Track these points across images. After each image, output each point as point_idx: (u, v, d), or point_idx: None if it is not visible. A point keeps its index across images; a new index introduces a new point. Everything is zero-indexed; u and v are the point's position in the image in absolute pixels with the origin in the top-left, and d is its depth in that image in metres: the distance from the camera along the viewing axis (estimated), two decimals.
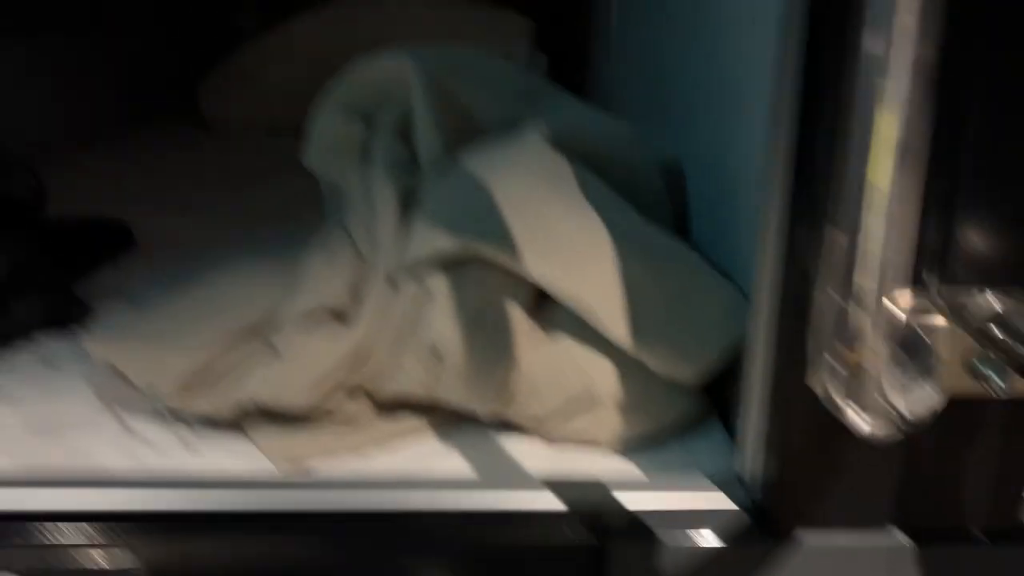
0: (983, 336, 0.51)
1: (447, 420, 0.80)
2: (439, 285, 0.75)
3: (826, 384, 0.46)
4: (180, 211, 1.54)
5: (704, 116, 0.98)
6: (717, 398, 0.81)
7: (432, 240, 0.75)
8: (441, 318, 0.74)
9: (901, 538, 0.63)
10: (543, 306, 0.78)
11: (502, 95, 0.95)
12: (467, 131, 0.90)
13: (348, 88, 0.96)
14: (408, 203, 0.83)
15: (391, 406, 0.80)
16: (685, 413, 0.77)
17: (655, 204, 0.95)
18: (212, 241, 1.38)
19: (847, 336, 0.43)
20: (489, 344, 0.74)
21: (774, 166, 0.58)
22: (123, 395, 0.85)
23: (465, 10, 2.20)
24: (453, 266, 0.76)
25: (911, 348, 0.46)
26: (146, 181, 1.77)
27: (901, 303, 0.46)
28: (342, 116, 0.94)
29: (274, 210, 1.59)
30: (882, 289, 0.43)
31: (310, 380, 0.75)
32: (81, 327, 1.04)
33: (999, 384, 0.52)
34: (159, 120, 2.29)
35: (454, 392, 0.76)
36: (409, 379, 0.76)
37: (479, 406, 0.77)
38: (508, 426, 0.80)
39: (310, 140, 0.98)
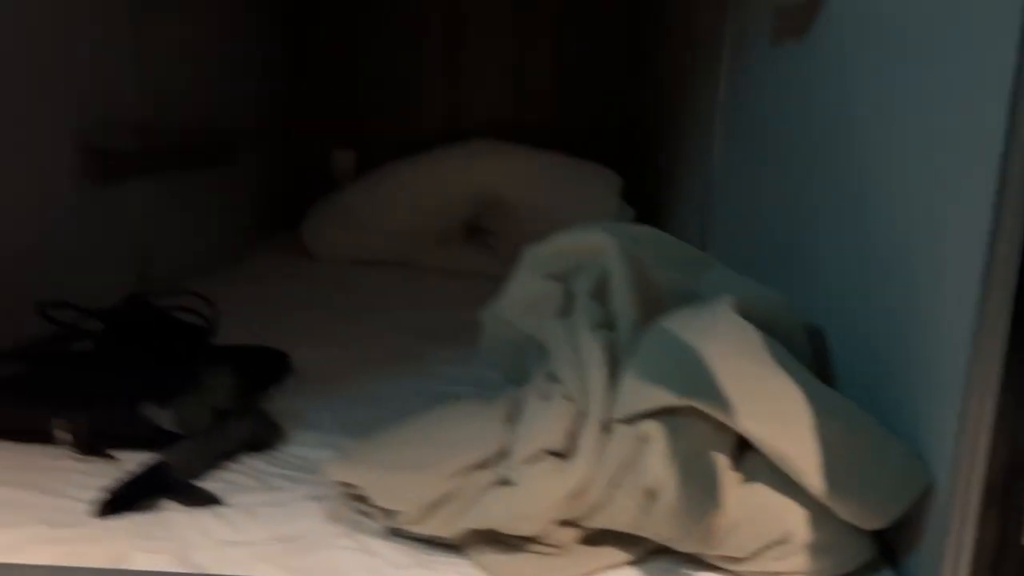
0: None
1: (643, 551, 0.90)
2: (655, 432, 0.86)
3: None
4: (308, 339, 1.66)
5: (844, 282, 1.10)
6: (883, 541, 0.90)
7: (652, 394, 0.87)
8: (657, 461, 0.85)
9: None
10: (740, 453, 0.89)
11: (674, 265, 1.10)
12: (651, 297, 1.03)
13: (545, 254, 1.11)
14: (612, 358, 0.96)
15: (592, 536, 0.90)
16: (866, 557, 0.86)
17: (806, 364, 1.07)
18: (357, 369, 1.52)
19: None
20: (700, 488, 0.85)
21: (983, 354, 0.70)
22: (349, 515, 0.95)
23: (560, 164, 2.39)
24: (665, 415, 0.88)
25: None
26: (267, 309, 1.90)
27: None
28: (540, 278, 1.08)
29: (396, 340, 1.72)
30: None
31: (540, 510, 0.85)
32: (274, 448, 1.15)
33: None
34: (266, 251, 2.46)
35: (662, 529, 0.86)
36: (621, 514, 0.87)
37: (683, 544, 0.87)
38: (695, 560, 0.90)
39: (508, 297, 1.11)
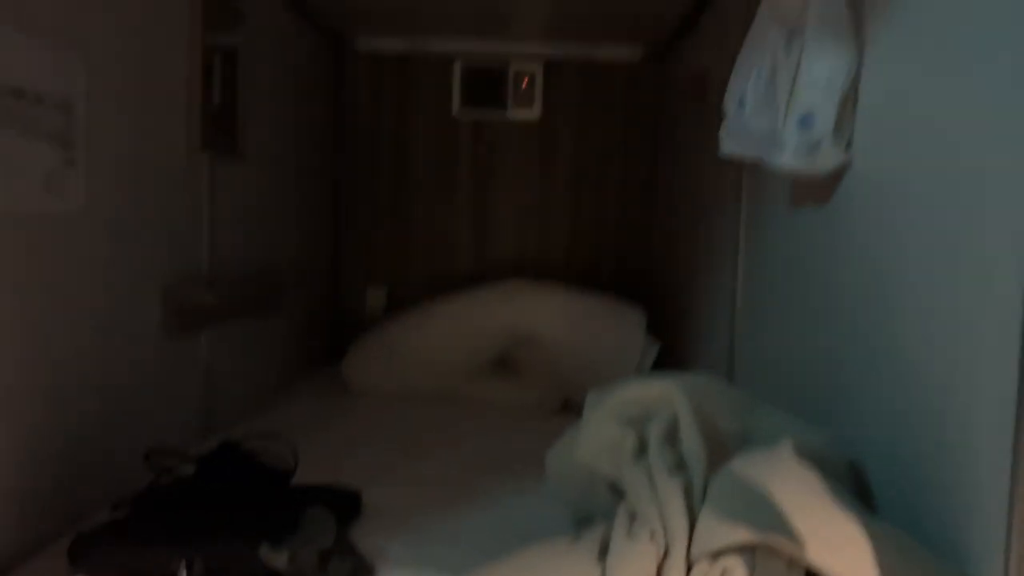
0: None
1: None
2: (734, 566, 0.98)
3: None
4: (369, 475, 1.76)
5: (878, 418, 1.23)
6: None
7: (730, 531, 0.99)
8: None
9: None
10: None
11: (725, 409, 1.24)
12: (714, 439, 1.16)
13: (615, 402, 1.25)
14: (688, 499, 1.08)
15: None
16: None
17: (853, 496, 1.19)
18: (424, 505, 1.62)
19: None
20: None
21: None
22: None
23: (588, 303, 2.56)
24: (742, 550, 0.99)
25: None
26: (323, 446, 2.01)
27: None
28: (615, 424, 1.22)
29: (454, 474, 1.84)
30: None
31: None
32: None
33: None
34: (310, 388, 2.59)
35: None
36: None
37: None
38: None
39: (583, 441, 1.24)
